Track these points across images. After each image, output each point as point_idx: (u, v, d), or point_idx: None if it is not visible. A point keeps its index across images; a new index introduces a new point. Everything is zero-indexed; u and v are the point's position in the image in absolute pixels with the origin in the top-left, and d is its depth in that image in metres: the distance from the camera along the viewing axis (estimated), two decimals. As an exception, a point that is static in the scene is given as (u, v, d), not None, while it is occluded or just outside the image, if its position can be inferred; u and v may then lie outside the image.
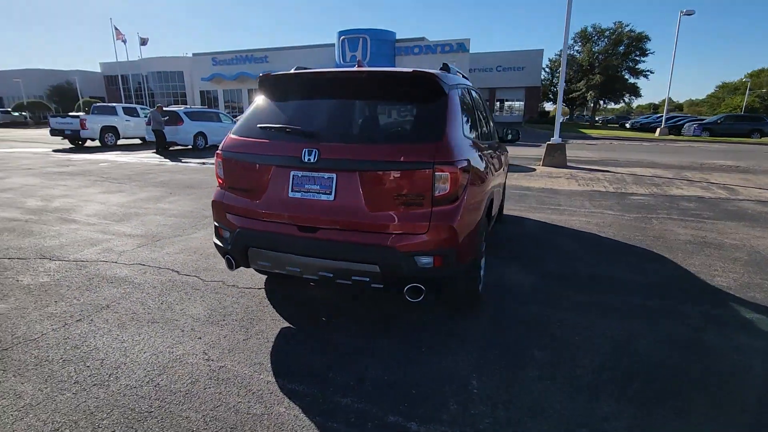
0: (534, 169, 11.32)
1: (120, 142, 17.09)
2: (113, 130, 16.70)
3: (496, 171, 3.59)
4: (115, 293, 3.18)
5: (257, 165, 2.53)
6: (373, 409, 1.98)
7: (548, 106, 53.00)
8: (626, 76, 45.96)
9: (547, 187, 8.39)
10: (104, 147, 16.14)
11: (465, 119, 2.78)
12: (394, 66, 36.44)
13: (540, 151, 12.56)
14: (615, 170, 11.03)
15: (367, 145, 2.38)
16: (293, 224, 2.45)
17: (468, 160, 2.43)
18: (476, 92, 3.72)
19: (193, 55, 44.69)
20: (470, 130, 2.90)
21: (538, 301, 3.17)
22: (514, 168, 11.43)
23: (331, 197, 2.37)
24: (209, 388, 2.12)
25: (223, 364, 2.31)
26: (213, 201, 2.79)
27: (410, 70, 2.48)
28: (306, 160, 2.35)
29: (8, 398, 2.02)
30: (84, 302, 3.02)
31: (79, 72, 51.49)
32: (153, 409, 1.96)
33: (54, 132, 16.16)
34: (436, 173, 2.24)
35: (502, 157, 4.42)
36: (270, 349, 2.47)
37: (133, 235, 4.69)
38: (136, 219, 5.38)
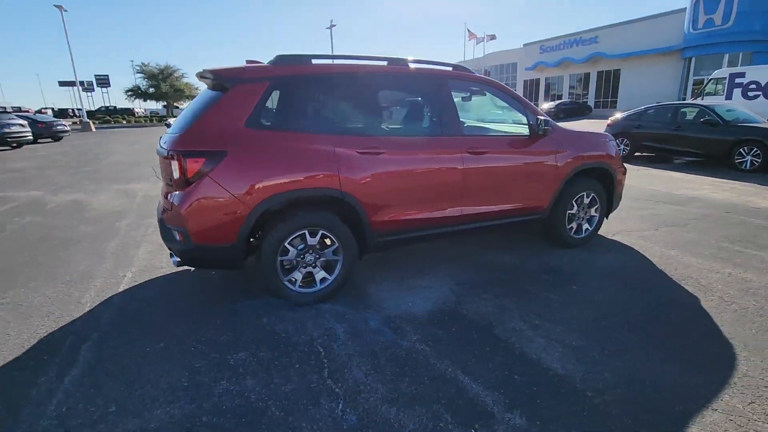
0: None
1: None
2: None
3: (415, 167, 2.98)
4: (185, 227, 4.91)
5: None
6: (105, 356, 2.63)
7: None
8: None
9: None
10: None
11: (269, 111, 2.67)
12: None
13: None
14: None
15: (173, 135, 2.82)
16: None
17: (213, 152, 2.46)
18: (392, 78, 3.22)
19: (524, 45, 45.88)
20: (282, 122, 2.76)
21: (354, 330, 2.56)
22: None
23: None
24: (100, 296, 3.33)
25: (117, 281, 3.46)
26: None
27: (218, 68, 2.69)
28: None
29: (58, 261, 3.94)
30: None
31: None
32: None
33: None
34: (171, 161, 2.50)
35: (514, 153, 3.37)
36: (154, 294, 3.40)
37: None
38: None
